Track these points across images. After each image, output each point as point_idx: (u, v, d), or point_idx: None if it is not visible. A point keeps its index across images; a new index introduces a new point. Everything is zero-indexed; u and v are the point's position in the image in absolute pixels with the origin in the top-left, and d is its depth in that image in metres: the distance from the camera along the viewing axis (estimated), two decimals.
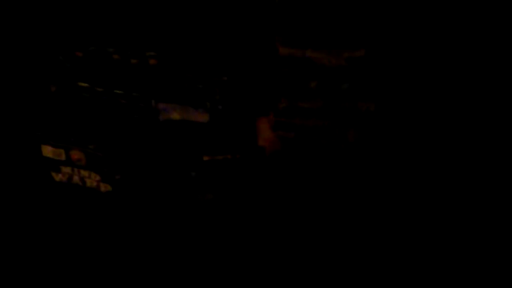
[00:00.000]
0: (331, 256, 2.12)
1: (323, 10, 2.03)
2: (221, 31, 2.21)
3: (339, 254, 2.12)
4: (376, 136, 2.20)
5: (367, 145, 2.20)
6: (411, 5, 2.05)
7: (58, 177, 2.18)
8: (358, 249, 2.13)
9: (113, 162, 2.18)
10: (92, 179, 2.17)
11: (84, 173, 2.17)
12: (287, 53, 2.10)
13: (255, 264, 2.13)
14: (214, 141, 2.27)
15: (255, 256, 2.14)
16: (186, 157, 2.25)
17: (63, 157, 2.16)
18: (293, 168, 2.23)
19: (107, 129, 2.22)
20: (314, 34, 2.07)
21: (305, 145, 2.22)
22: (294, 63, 2.12)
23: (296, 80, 2.15)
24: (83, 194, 2.19)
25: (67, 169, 2.17)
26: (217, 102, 2.26)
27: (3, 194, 2.15)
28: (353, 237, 2.16)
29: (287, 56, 2.11)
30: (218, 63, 2.24)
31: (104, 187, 2.18)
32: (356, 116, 2.18)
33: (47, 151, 2.15)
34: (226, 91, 2.26)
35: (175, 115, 2.29)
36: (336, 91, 2.16)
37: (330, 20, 2.04)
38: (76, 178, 2.18)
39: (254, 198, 2.23)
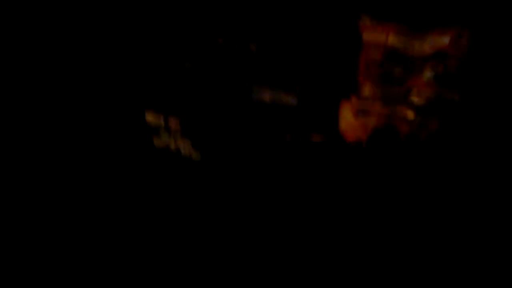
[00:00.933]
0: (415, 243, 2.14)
1: None
2: (310, 22, 2.35)
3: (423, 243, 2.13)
4: (458, 128, 2.18)
5: (448, 135, 2.19)
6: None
7: (157, 143, 2.45)
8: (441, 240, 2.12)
9: (205, 132, 2.40)
10: (185, 147, 2.41)
11: (180, 141, 2.41)
12: (372, 39, 2.18)
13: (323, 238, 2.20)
14: (298, 123, 2.40)
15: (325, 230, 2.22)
16: (271, 134, 2.41)
17: (162, 124, 2.43)
18: (373, 154, 2.29)
19: (204, 103, 2.45)
20: (399, 20, 2.13)
21: (387, 132, 2.26)
22: (378, 49, 2.19)
23: (380, 66, 2.21)
24: (177, 161, 2.43)
25: (165, 137, 2.43)
26: (304, 87, 2.40)
27: (110, 153, 2.46)
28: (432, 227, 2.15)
29: (371, 42, 2.18)
30: (307, 50, 2.38)
31: (195, 156, 2.40)
32: (439, 105, 2.19)
33: (150, 117, 2.43)
34: (314, 76, 2.38)
35: (266, 97, 2.46)
36: (419, 79, 2.18)
37: (416, 5, 2.09)
38: (172, 145, 2.43)
39: (330, 180, 2.32)
